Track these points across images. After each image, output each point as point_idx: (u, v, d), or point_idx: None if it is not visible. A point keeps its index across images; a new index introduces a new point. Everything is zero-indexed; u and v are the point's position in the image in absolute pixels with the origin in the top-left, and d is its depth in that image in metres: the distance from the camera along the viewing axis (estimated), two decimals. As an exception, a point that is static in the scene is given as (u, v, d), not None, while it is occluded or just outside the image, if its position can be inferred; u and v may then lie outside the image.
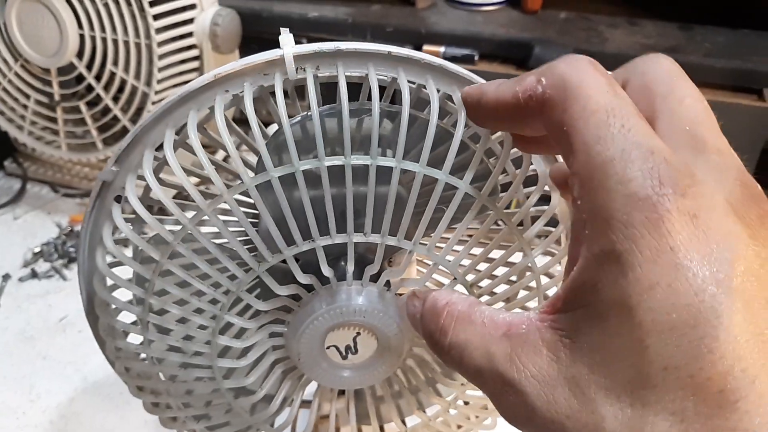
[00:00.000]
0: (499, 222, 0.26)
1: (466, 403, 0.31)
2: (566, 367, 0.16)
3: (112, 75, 0.64)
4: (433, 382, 0.30)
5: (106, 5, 0.60)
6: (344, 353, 0.28)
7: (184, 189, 0.26)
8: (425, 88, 0.26)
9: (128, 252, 0.28)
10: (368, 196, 0.24)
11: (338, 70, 0.25)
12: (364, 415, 0.32)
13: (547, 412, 0.17)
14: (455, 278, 0.26)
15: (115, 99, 0.65)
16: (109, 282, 0.28)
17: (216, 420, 0.29)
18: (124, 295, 0.28)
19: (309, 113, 0.26)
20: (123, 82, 0.64)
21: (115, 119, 0.66)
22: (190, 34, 0.63)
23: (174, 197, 0.27)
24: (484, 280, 0.27)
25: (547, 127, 0.19)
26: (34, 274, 0.63)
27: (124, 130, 0.67)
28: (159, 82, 0.62)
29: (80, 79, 0.66)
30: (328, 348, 0.27)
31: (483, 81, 0.26)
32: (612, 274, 0.16)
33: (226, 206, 0.24)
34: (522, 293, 0.29)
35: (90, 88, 0.66)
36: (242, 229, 0.29)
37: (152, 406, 0.30)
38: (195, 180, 0.30)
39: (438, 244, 0.26)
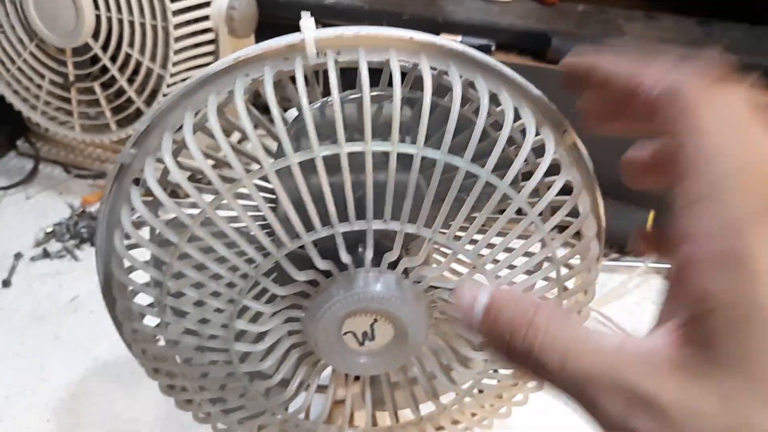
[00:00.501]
0: (520, 211, 0.26)
1: (480, 392, 0.31)
2: (708, 380, 0.16)
3: (128, 56, 0.63)
4: (449, 370, 0.30)
5: (122, -14, 0.60)
6: (361, 339, 0.28)
7: (200, 172, 0.26)
8: (447, 75, 0.26)
9: (145, 234, 0.28)
10: (388, 182, 0.24)
11: (359, 55, 0.25)
12: (379, 401, 0.32)
13: (690, 425, 0.16)
14: (474, 267, 0.26)
15: (130, 81, 0.65)
16: (127, 264, 0.28)
17: (231, 404, 0.30)
18: (141, 277, 0.28)
19: (328, 99, 0.26)
20: (138, 64, 0.63)
21: (130, 101, 0.66)
22: (206, 18, 0.63)
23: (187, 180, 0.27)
24: (503, 270, 0.27)
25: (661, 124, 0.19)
26: (45, 254, 0.63)
27: (138, 112, 0.66)
28: (174, 64, 0.62)
29: (95, 60, 0.65)
30: (345, 334, 0.27)
31: (505, 68, 0.26)
32: (741, 279, 0.16)
33: (243, 190, 0.24)
34: (540, 284, 0.28)
35: (105, 69, 0.66)
36: (259, 213, 0.29)
37: (168, 389, 0.31)
38: (210, 163, 0.30)
39: (457, 233, 0.26)
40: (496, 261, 0.27)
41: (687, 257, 0.17)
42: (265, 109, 0.26)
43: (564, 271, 0.28)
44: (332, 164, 0.24)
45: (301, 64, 0.25)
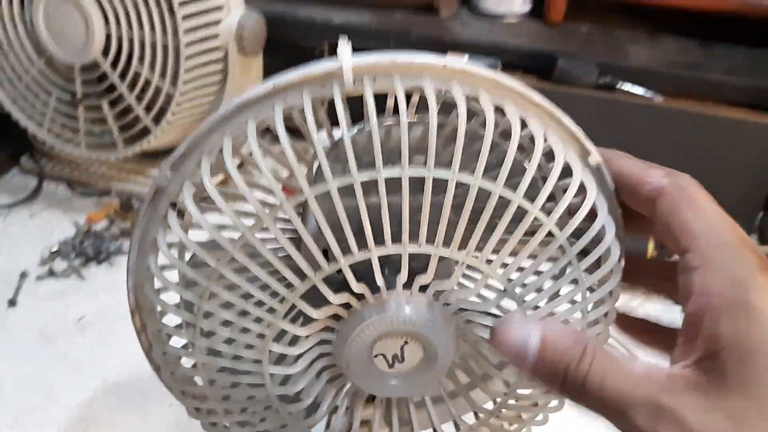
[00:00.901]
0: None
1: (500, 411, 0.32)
2: (720, 399, 0.21)
3: (137, 74, 0.64)
4: (471, 390, 0.31)
5: (135, 5, 0.60)
6: (391, 362, 0.28)
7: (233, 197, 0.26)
8: (477, 101, 0.26)
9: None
10: (423, 206, 0.24)
11: (395, 82, 0.25)
12: (402, 422, 0.32)
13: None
14: (505, 290, 0.27)
15: (138, 98, 0.65)
16: (160, 285, 0.28)
17: (260, 426, 0.30)
18: (174, 299, 0.28)
19: (363, 126, 0.26)
20: (147, 82, 0.64)
21: (137, 119, 0.67)
22: (216, 36, 0.64)
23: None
24: (530, 294, 0.27)
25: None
26: (51, 273, 0.63)
27: (145, 130, 0.67)
28: (185, 83, 0.63)
29: (103, 77, 0.66)
30: (375, 356, 0.28)
31: (534, 93, 0.27)
32: (746, 322, 0.21)
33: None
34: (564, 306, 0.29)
35: (113, 87, 0.66)
36: (292, 236, 0.29)
37: (195, 411, 0.31)
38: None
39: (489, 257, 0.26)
40: (524, 285, 0.27)
41: (702, 307, 0.22)
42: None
43: (588, 294, 0.29)
44: (365, 187, 0.24)
45: (339, 90, 0.25)
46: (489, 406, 0.32)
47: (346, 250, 0.25)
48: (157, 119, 0.66)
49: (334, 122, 0.27)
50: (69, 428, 0.50)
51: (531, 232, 0.26)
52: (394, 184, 0.24)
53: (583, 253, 0.28)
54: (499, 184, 0.25)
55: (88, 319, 0.59)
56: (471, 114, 0.28)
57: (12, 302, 0.60)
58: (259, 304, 0.26)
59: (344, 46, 0.26)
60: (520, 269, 0.27)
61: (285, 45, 0.73)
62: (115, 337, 0.57)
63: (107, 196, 0.74)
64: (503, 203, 0.25)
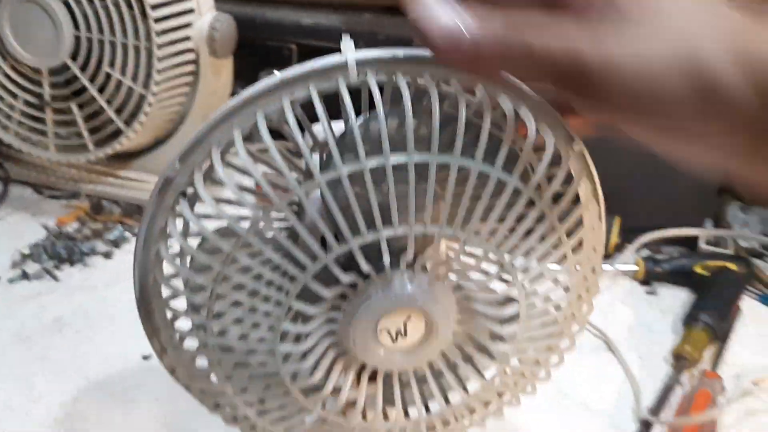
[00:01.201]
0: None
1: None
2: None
3: (108, 77, 0.64)
4: (471, 361, 0.33)
5: (105, 8, 0.61)
6: (394, 337, 0.30)
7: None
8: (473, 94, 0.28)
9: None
10: (428, 190, 0.26)
11: (397, 76, 0.27)
12: (389, 400, 0.34)
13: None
14: (503, 266, 0.29)
15: (109, 100, 0.65)
16: (171, 271, 0.29)
17: (270, 404, 0.31)
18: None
19: (368, 115, 0.28)
20: (118, 84, 0.64)
21: (108, 121, 0.67)
22: (187, 38, 0.64)
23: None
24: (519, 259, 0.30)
25: None
26: (24, 275, 0.63)
27: (117, 132, 0.67)
28: (157, 84, 0.63)
29: (72, 79, 0.66)
30: (380, 332, 0.29)
31: (524, 86, 0.29)
32: None
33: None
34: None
35: (82, 89, 0.66)
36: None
37: (200, 393, 0.32)
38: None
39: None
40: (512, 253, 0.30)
41: None
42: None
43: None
44: (359, 176, 0.26)
45: (344, 83, 0.27)
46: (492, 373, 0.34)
47: (354, 232, 0.27)
48: (129, 121, 0.66)
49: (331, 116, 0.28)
50: (54, 427, 0.50)
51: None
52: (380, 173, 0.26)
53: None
54: (497, 168, 0.27)
55: (65, 319, 0.59)
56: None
57: (-15, 306, 0.59)
58: (270, 284, 0.27)
59: (347, 42, 0.28)
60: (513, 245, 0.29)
61: (254, 46, 0.74)
62: (95, 336, 0.57)
63: (76, 198, 0.74)
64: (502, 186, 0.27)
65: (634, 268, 0.67)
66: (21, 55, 0.65)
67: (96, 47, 0.63)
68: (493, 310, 0.31)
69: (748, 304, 0.65)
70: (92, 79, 0.65)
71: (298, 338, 0.29)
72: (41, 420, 0.50)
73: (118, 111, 0.66)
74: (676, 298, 0.66)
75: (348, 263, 0.28)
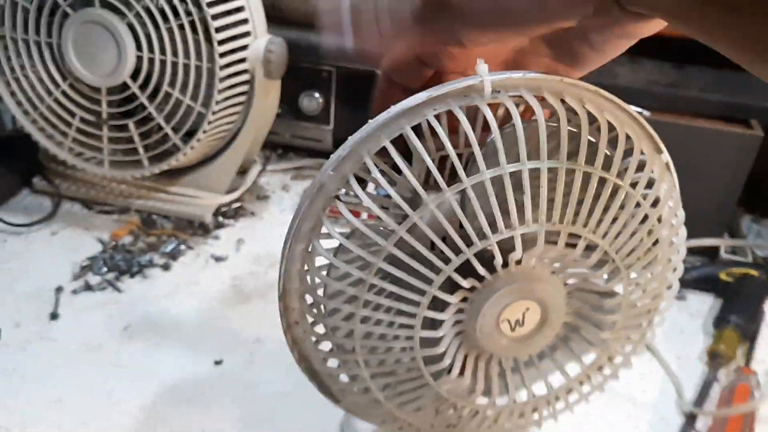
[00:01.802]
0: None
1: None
2: None
3: (167, 95, 0.67)
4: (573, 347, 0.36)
5: (170, 30, 0.64)
6: (513, 326, 0.33)
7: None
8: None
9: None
10: (557, 193, 0.30)
11: (524, 92, 0.31)
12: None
13: None
14: (613, 260, 0.33)
15: (167, 119, 0.68)
16: (323, 262, 0.32)
17: (404, 386, 0.34)
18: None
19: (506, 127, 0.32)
20: (177, 103, 0.67)
21: (165, 138, 0.69)
22: (244, 60, 0.68)
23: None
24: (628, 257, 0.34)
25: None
26: (87, 287, 0.65)
27: (175, 148, 0.70)
28: (217, 103, 0.66)
29: (130, 98, 0.68)
30: (501, 322, 0.33)
31: (623, 103, 0.33)
32: None
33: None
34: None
35: (139, 108, 0.69)
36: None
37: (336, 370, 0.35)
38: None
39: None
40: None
41: None
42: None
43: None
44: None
45: (481, 99, 0.31)
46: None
47: (493, 230, 0.30)
48: (185, 139, 0.69)
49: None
50: (139, 427, 0.52)
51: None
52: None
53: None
54: (597, 168, 0.31)
55: (134, 328, 0.61)
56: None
57: (54, 315, 0.61)
58: (418, 275, 0.31)
59: (482, 64, 0.31)
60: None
61: (295, 69, 0.78)
62: (163, 344, 0.60)
63: (125, 213, 0.76)
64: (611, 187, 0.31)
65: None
66: (82, 75, 0.68)
67: (157, 68, 0.66)
68: (598, 300, 0.35)
69: (769, 308, 0.70)
70: (151, 98, 0.68)
71: (433, 324, 0.32)
72: (122, 423, 0.52)
73: (175, 129, 0.69)
74: (703, 303, 0.70)
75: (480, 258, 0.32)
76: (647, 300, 0.35)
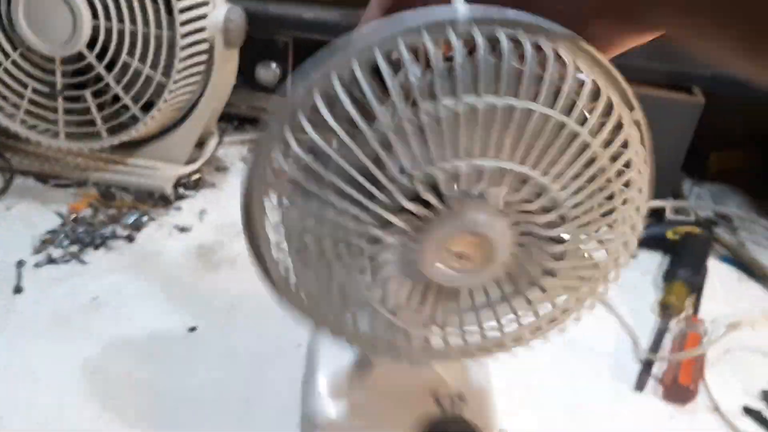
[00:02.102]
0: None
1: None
2: None
3: (125, 65, 0.66)
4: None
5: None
6: (458, 259, 0.35)
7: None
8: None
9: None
10: (510, 129, 0.32)
11: (497, 30, 0.33)
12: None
13: None
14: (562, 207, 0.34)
15: (125, 89, 0.67)
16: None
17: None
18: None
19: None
20: (137, 73, 0.66)
21: (123, 109, 0.69)
22: (203, 29, 0.67)
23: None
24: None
25: None
26: (50, 260, 0.64)
27: (134, 119, 0.69)
28: (178, 72, 0.66)
29: (86, 68, 0.67)
30: (447, 251, 0.34)
31: (598, 54, 0.35)
32: None
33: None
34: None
35: (95, 78, 0.67)
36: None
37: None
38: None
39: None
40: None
41: None
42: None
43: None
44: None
45: (454, 33, 0.32)
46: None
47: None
48: (146, 109, 0.68)
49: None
50: (118, 394, 0.51)
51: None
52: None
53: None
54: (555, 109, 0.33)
55: (101, 299, 0.60)
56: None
57: (18, 289, 0.60)
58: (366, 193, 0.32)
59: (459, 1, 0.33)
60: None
61: (254, 39, 0.78)
62: (134, 314, 0.59)
63: (83, 186, 0.75)
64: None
65: (617, 234, 0.75)
66: (34, 44, 0.66)
67: (115, 37, 0.65)
68: (546, 246, 0.36)
69: (711, 263, 0.75)
70: (108, 68, 0.67)
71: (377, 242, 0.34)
72: (104, 390, 0.52)
73: (134, 100, 0.68)
74: (652, 260, 0.74)
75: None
76: (601, 252, 0.38)
